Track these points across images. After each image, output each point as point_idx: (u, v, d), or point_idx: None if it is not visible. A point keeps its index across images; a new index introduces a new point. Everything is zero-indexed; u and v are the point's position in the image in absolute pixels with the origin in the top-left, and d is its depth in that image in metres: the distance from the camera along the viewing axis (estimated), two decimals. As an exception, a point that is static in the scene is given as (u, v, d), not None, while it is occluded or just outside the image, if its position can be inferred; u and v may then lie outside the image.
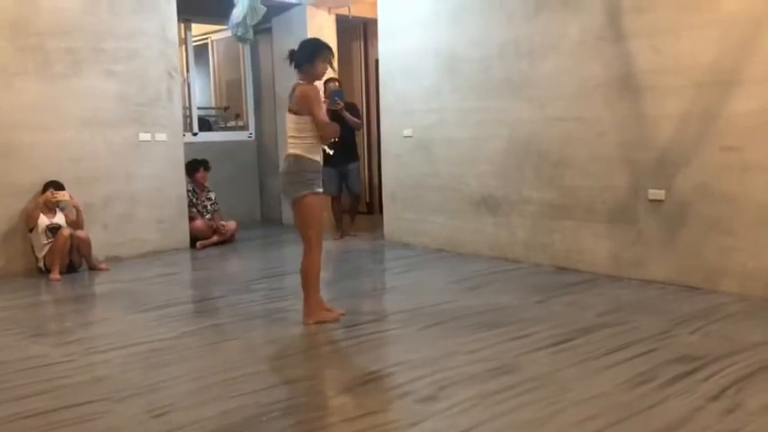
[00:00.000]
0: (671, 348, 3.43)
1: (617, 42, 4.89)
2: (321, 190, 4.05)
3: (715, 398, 2.81)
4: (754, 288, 4.30)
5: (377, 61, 7.34)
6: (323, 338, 3.85)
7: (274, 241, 7.47)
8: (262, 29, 7.66)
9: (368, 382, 3.14)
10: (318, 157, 4.01)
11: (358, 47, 8.83)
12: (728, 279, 4.43)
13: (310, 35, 7.63)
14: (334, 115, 6.73)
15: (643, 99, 4.79)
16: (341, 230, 7.13)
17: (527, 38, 5.42)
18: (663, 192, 4.73)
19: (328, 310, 4.14)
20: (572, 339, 3.63)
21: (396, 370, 3.28)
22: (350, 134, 6.86)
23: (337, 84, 7.10)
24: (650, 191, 4.79)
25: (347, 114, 6.72)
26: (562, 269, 5.29)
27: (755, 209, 4.28)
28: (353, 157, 7.16)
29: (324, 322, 4.01)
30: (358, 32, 8.73)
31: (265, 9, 6.89)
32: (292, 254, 6.69)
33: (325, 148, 6.89)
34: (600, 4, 4.96)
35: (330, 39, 7.78)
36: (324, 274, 5.53)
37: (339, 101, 6.69)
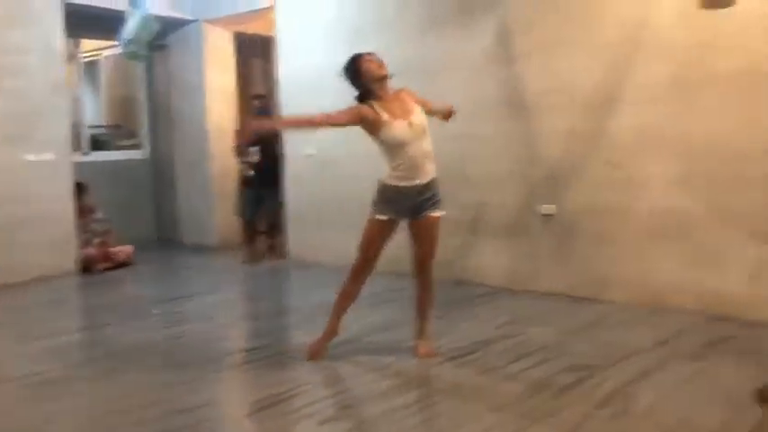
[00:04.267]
0: (563, 357, 3.58)
1: (508, 62, 5.10)
2: (384, 217, 3.52)
3: (603, 404, 2.96)
4: (636, 296, 4.57)
5: (278, 79, 7.30)
6: (222, 363, 3.75)
7: (172, 264, 7.24)
8: (157, 45, 7.45)
9: (270, 406, 3.09)
10: (397, 182, 3.48)
11: (258, 65, 8.75)
12: (614, 289, 4.68)
13: (207, 53, 7.54)
14: (261, 137, 6.64)
15: (534, 117, 5.02)
16: (254, 254, 6.88)
17: (422, 57, 5.56)
18: (554, 206, 4.95)
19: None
20: (473, 352, 3.72)
21: (299, 391, 3.25)
22: (273, 157, 6.75)
23: (263, 100, 6.99)
24: (542, 206, 5.01)
25: (272, 136, 6.63)
26: (462, 283, 5.42)
27: (638, 221, 4.56)
28: (274, 182, 6.90)
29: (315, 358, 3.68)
30: (258, 50, 8.66)
31: (159, 26, 6.71)
32: (190, 277, 6.57)
33: (245, 168, 6.85)
34: (491, 25, 5.17)
35: (228, 57, 7.72)
36: (225, 296, 5.49)
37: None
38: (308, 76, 6.46)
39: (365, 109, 3.47)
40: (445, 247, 5.52)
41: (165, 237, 8.32)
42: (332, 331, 3.71)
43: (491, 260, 5.34)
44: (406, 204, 3.50)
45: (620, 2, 4.54)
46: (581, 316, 4.39)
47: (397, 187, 3.48)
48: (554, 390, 3.13)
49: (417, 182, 3.46)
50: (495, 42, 5.16)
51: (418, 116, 3.48)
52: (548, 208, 4.98)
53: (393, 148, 3.45)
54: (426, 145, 3.49)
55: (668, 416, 2.82)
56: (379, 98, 3.48)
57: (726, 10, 3.95)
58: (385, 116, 3.43)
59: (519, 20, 5.02)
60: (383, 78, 3.49)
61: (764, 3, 3.95)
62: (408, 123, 3.43)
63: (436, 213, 3.56)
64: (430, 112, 3.63)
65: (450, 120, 3.75)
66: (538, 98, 4.96)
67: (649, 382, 3.21)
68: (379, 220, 3.52)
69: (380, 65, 3.51)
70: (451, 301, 4.88)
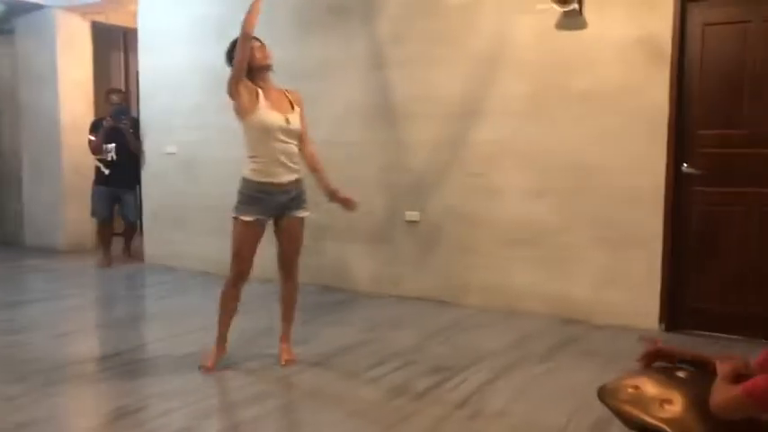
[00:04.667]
0: (424, 361, 3.65)
1: (377, 70, 5.16)
2: (250, 218, 3.37)
3: (460, 405, 3.03)
4: (493, 301, 4.76)
5: (138, 73, 6.95)
6: (67, 372, 3.48)
7: (13, 267, 6.64)
8: (1, 30, 6.86)
9: (118, 419, 2.90)
10: (259, 178, 3.37)
11: (118, 58, 8.30)
12: (473, 293, 4.85)
13: (61, 41, 7.03)
14: (116, 134, 6.25)
15: (400, 125, 5.10)
16: (108, 257, 6.50)
17: (291, 61, 5.47)
18: (418, 213, 5.06)
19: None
20: (334, 358, 3.70)
21: (149, 403, 3.07)
22: (131, 156, 6.39)
23: (121, 95, 6.59)
24: (407, 212, 5.10)
25: (130, 134, 6.27)
26: (328, 288, 5.39)
27: (495, 229, 4.75)
28: (132, 182, 6.54)
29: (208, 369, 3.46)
30: (118, 42, 8.21)
31: (3, 7, 6.15)
32: (33, 281, 6.07)
33: (101, 166, 6.42)
34: (361, 33, 5.20)
35: (85, 47, 7.24)
36: (74, 302, 5.11)
37: (124, 118, 6.24)
38: (170, 71, 6.20)
39: (247, 83, 3.32)
40: (312, 252, 5.50)
41: (6, 238, 7.64)
42: (221, 343, 3.53)
43: (357, 265, 5.36)
44: (271, 203, 3.42)
45: (484, 19, 4.72)
46: (441, 320, 4.50)
47: (260, 183, 3.38)
48: (413, 393, 3.17)
49: (279, 180, 3.39)
50: (365, 50, 5.20)
51: (295, 118, 3.44)
52: (411, 214, 5.08)
53: (259, 137, 3.35)
54: (293, 148, 3.45)
55: (520, 415, 2.94)
56: (259, 86, 3.38)
57: (578, 31, 4.25)
58: (256, 101, 3.34)
59: (389, 30, 5.09)
60: (266, 68, 3.40)
61: (609, 27, 4.26)
62: (285, 119, 3.37)
63: (301, 214, 3.52)
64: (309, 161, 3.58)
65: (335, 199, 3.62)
66: (404, 107, 5.06)
67: (503, 382, 3.33)
68: (244, 222, 3.40)
69: (267, 55, 3.39)
70: (317, 306, 4.84)
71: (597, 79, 4.34)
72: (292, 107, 3.47)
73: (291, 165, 3.44)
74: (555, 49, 4.46)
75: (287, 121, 3.38)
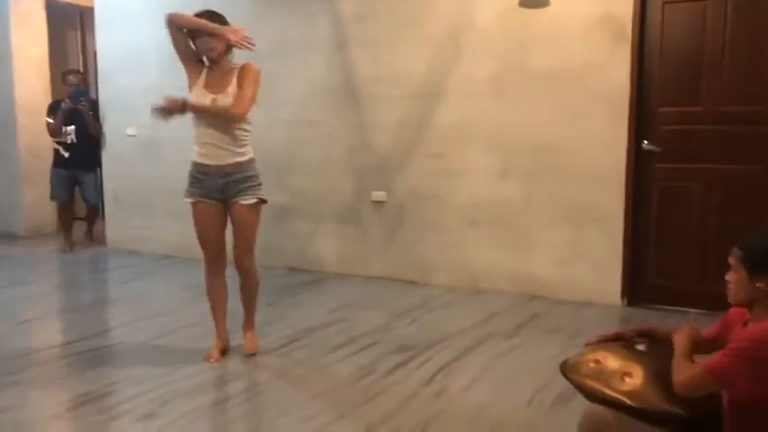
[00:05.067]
0: (391, 340, 3.67)
1: (340, 50, 5.10)
2: (191, 199, 3.35)
3: (427, 383, 3.06)
4: (460, 279, 4.80)
5: (96, 53, 6.77)
6: (30, 360, 3.42)
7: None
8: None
9: (82, 405, 2.86)
10: (197, 158, 3.33)
11: (74, 37, 8.07)
12: (439, 273, 4.88)
13: (15, 21, 6.82)
14: (75, 116, 6.09)
15: (365, 106, 5.07)
16: (70, 242, 6.36)
17: (255, 41, 5.39)
18: (384, 193, 5.05)
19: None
20: (300, 339, 3.70)
21: (113, 389, 3.04)
22: (91, 138, 6.24)
23: (79, 76, 6.40)
24: (373, 193, 5.09)
25: (89, 116, 6.12)
26: (294, 270, 5.37)
27: (459, 209, 4.77)
28: (92, 164, 6.39)
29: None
30: (74, 21, 7.98)
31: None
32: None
33: (60, 149, 6.25)
34: (324, 11, 5.13)
35: (40, 26, 7.02)
36: (35, 288, 5.00)
37: (83, 100, 6.07)
38: (129, 50, 6.06)
39: (195, 63, 3.34)
40: (277, 234, 5.48)
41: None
42: (219, 333, 3.47)
43: (323, 246, 5.35)
44: (210, 185, 3.30)
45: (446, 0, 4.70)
46: (409, 299, 4.52)
47: (196, 164, 3.32)
48: (380, 372, 3.19)
49: (215, 162, 3.27)
50: (328, 30, 5.13)
51: (225, 98, 3.26)
52: (378, 195, 5.07)
53: (192, 118, 3.31)
54: (226, 129, 3.26)
55: (485, 392, 2.98)
56: (209, 67, 3.35)
57: (540, 10, 4.26)
58: (196, 80, 3.31)
59: (352, 10, 5.03)
60: (210, 60, 3.34)
61: (572, 5, 4.28)
62: (212, 99, 3.26)
63: (246, 201, 3.33)
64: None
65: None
66: (369, 87, 5.02)
67: (469, 360, 3.37)
68: (192, 204, 3.36)
69: (210, 48, 3.28)
70: (283, 288, 4.82)
71: (560, 59, 4.36)
72: (228, 85, 3.28)
73: (227, 147, 3.27)
74: (518, 29, 4.46)
75: (213, 101, 3.25)
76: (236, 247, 3.40)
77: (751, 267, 1.79)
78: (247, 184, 3.32)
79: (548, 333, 3.81)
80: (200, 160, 3.31)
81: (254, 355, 3.43)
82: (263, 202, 3.40)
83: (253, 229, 3.39)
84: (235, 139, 3.29)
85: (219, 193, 3.32)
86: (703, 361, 1.79)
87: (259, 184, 3.37)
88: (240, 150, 3.31)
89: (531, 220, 4.54)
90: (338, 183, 5.22)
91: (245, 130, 3.34)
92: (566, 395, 2.75)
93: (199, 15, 3.30)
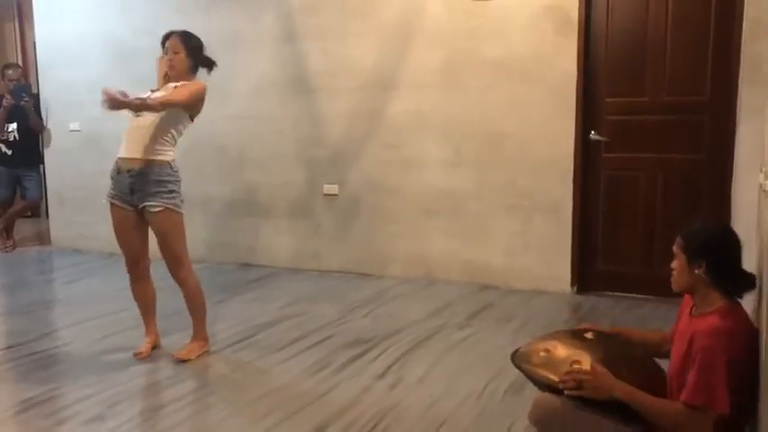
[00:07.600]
0: (345, 333, 3.66)
1: (289, 42, 5.04)
2: (107, 200, 3.31)
3: (381, 376, 3.06)
4: (414, 271, 4.81)
5: (35, 45, 6.54)
6: (-32, 366, 3.30)
7: None
8: None
9: (27, 409, 2.77)
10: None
11: (12, 28, 7.78)
12: (394, 264, 4.88)
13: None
14: (17, 112, 5.88)
15: (316, 99, 5.02)
16: (12, 239, 6.19)
17: (199, 32, 5.27)
18: (336, 186, 5.02)
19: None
20: (252, 336, 3.65)
21: (60, 392, 2.95)
22: (33, 134, 6.06)
23: (19, 71, 6.17)
24: (325, 186, 5.05)
25: (33, 112, 5.91)
26: (245, 266, 5.30)
27: (413, 199, 4.78)
28: (35, 161, 6.21)
29: None
30: (11, 11, 7.69)
31: None
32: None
33: (1, 146, 6.02)
34: (272, 3, 5.05)
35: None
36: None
37: (25, 96, 5.85)
38: (71, 42, 5.87)
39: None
40: (229, 229, 5.40)
41: None
42: (147, 332, 3.41)
43: (275, 241, 5.29)
44: (119, 185, 3.19)
45: (396, -12, 4.68)
46: (363, 292, 4.50)
47: (115, 160, 3.23)
48: (334, 366, 3.17)
49: (126, 155, 3.16)
50: (277, 22, 5.06)
51: (158, 93, 3.26)
52: (330, 188, 5.04)
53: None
54: (150, 128, 3.13)
55: (439, 382, 2.99)
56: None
57: (489, 0, 4.28)
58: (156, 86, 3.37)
59: (302, 1, 4.96)
60: (165, 77, 3.39)
61: (521, -3, 4.31)
62: (149, 92, 3.26)
63: (153, 208, 3.13)
64: None
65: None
66: (319, 80, 4.97)
67: (423, 351, 3.38)
68: (109, 205, 3.26)
69: (170, 65, 3.31)
70: (235, 284, 4.76)
71: (508, 48, 4.39)
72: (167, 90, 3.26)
73: (144, 142, 3.12)
74: (467, 19, 4.47)
75: (150, 94, 3.20)
76: (163, 258, 3.28)
77: (690, 255, 1.83)
78: (156, 189, 3.13)
79: (500, 322, 3.85)
80: (117, 155, 3.22)
81: (184, 362, 3.24)
82: (174, 211, 3.19)
83: (173, 240, 3.20)
84: (155, 139, 3.14)
85: (129, 195, 3.18)
86: (681, 398, 1.73)
87: (171, 191, 3.16)
88: (156, 149, 3.14)
89: (482, 209, 4.58)
90: (290, 177, 5.17)
91: (171, 137, 3.20)
92: (518, 384, 2.78)
93: (167, 36, 3.38)
